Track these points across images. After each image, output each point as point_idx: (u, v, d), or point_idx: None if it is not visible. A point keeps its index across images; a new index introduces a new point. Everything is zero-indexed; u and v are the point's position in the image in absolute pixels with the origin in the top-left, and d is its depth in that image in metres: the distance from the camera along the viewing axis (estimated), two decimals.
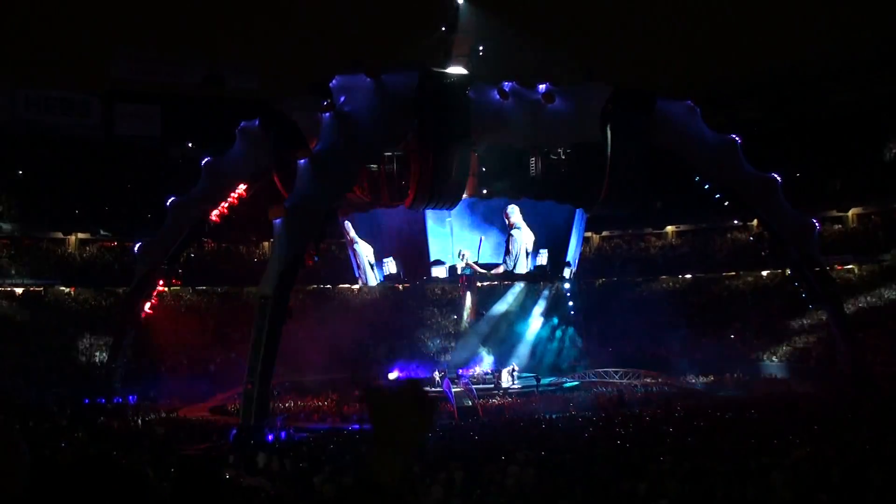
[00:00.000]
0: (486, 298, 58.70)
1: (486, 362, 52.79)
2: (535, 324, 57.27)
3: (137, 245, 43.65)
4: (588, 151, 42.13)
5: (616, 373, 50.43)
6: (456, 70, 43.39)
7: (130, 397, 42.35)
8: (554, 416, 35.84)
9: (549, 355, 55.89)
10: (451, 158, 37.50)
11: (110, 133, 58.98)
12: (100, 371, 44.94)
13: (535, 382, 47.57)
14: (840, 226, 58.84)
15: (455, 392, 43.66)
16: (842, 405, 32.44)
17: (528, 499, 14.25)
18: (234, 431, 31.82)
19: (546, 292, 58.83)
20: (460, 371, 50.51)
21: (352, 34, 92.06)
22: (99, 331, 49.88)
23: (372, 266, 44.74)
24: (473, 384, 47.50)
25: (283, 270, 34.38)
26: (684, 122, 42.50)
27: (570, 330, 56.73)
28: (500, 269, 44.93)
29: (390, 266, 43.85)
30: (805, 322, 51.64)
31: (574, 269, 48.27)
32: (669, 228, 66.51)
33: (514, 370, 49.56)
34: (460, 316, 57.68)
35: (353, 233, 45.06)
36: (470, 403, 41.96)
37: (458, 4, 45.14)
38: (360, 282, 48.94)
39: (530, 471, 16.34)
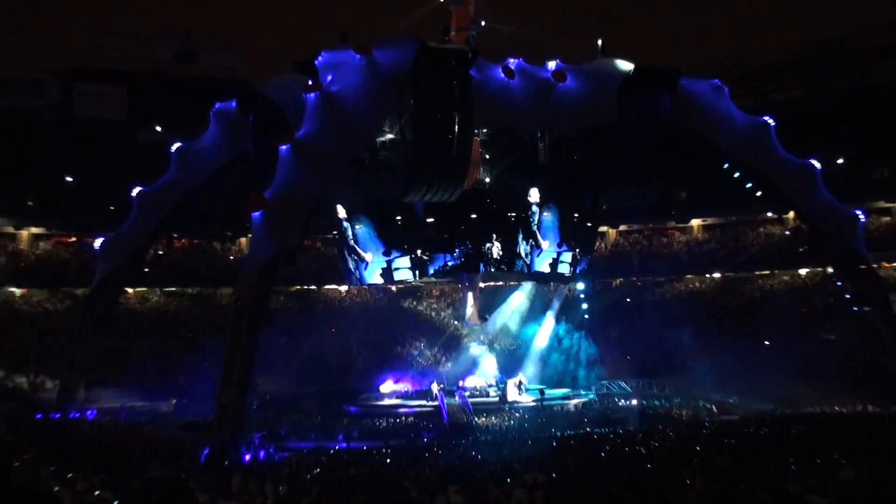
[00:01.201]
0: (490, 300, 58.60)
1: (489, 373, 52.72)
2: (545, 329, 57.17)
3: (99, 241, 43.50)
4: (603, 136, 41.91)
5: (636, 383, 50.32)
6: (456, 45, 43.19)
7: (89, 412, 42.19)
8: (566, 433, 35.68)
9: (561, 365, 55.79)
10: (450, 144, 37.30)
11: (70, 116, 58.91)
12: (55, 383, 44.81)
13: (540, 396, 47.45)
14: (888, 218, 58.59)
15: (449, 406, 43.58)
16: (891, 420, 32.28)
17: None
18: (207, 450, 31.60)
19: (558, 294, 58.78)
20: (461, 382, 50.49)
21: (340, 5, 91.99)
22: (54, 337, 49.57)
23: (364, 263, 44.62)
24: (476, 397, 47.47)
25: (263, 269, 34.15)
26: (711, 103, 42.29)
27: (584, 336, 56.58)
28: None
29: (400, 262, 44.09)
30: (849, 326, 51.43)
31: (586, 268, 48.10)
32: (695, 222, 66.38)
33: (521, 382, 49.42)
34: (461, 320, 57.59)
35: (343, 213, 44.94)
36: (465, 420, 41.84)
37: None
38: (349, 282, 48.69)
39: (539, 495, 16.18)
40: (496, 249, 43.45)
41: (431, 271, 44.36)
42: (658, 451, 26.79)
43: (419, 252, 43.84)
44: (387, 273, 44.61)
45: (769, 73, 63.45)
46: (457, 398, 45.93)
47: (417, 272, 44.31)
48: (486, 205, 43.88)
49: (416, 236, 44.05)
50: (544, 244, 44.31)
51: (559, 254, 45.04)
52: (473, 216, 43.43)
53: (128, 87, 59.97)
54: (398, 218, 43.90)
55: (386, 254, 44.42)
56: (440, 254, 43.84)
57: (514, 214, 44.38)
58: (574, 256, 45.56)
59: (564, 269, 45.55)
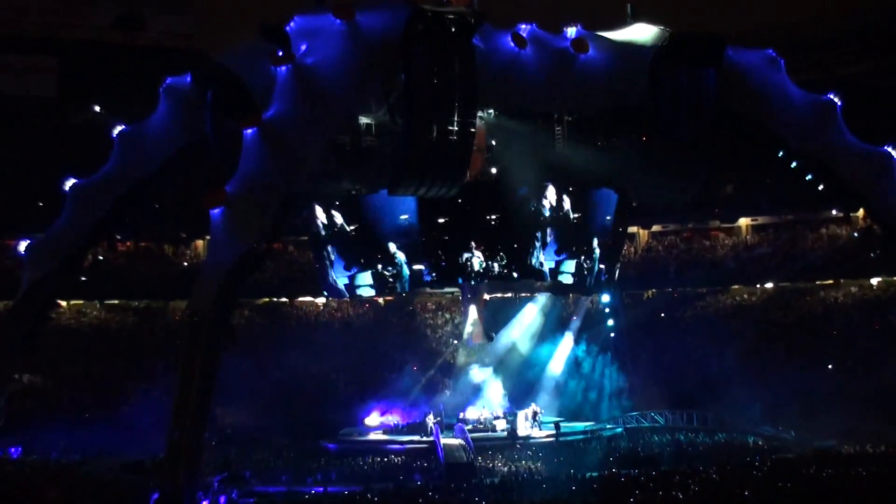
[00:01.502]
0: (496, 315, 58.61)
1: (496, 402, 52.79)
2: (562, 351, 57.22)
3: (24, 244, 43.32)
4: (633, 118, 41.97)
5: (671, 415, 50.40)
6: (456, 8, 43.16)
7: (13, 449, 42.18)
8: (587, 475, 35.78)
9: (581, 393, 55.88)
10: (449, 128, 37.35)
11: None
12: None
13: (556, 430, 47.59)
14: None
15: (445, 445, 43.60)
16: None
17: None
18: (156, 496, 31.70)
19: (578, 309, 58.88)
20: (461, 414, 50.51)
21: None
22: None
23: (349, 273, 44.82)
24: (479, 431, 47.54)
25: (224, 279, 34.19)
26: (763, 78, 42.27)
27: (609, 359, 56.63)
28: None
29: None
30: None
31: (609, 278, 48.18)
32: (743, 221, 66.50)
33: (535, 413, 49.54)
34: (462, 339, 57.62)
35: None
36: (464, 459, 41.92)
37: None
38: (328, 293, 48.71)
39: None
40: (477, 261, 43.54)
41: (399, 287, 44.60)
42: (698, 496, 26.91)
43: (380, 267, 43.90)
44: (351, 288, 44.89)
45: (834, 42, 63.53)
46: (455, 433, 45.99)
47: (378, 290, 44.61)
48: (484, 203, 44.08)
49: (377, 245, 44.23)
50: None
51: (558, 262, 45.26)
52: (444, 220, 43.58)
53: (59, 58, 59.92)
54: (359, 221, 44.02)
55: (346, 268, 44.61)
56: (414, 265, 43.99)
57: (523, 214, 44.46)
58: (580, 264, 45.67)
59: (566, 279, 45.77)
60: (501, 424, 49.31)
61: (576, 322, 58.37)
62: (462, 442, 44.29)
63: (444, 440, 44.42)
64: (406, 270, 44.06)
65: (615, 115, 42.11)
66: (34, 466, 39.87)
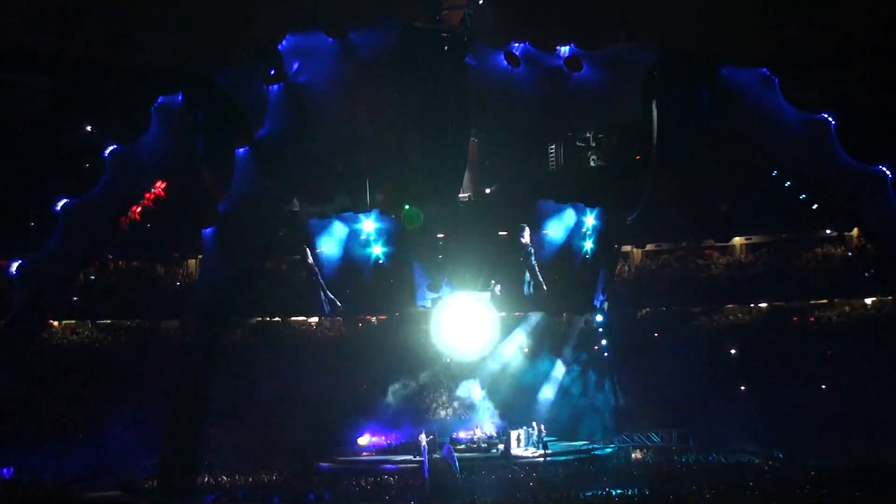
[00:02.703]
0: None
1: (489, 421, 52.83)
2: (556, 370, 57.25)
3: (15, 264, 43.28)
4: (626, 136, 42.05)
5: (665, 435, 50.45)
6: (448, 26, 43.30)
7: (4, 470, 42.11)
8: (581, 495, 35.80)
9: (574, 412, 55.84)
10: (441, 146, 37.46)
11: None
12: None
13: (544, 449, 47.59)
14: None
15: (432, 462, 43.54)
16: None
17: None
18: None
19: (572, 328, 58.88)
20: (454, 434, 50.51)
21: None
22: None
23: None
24: (473, 451, 47.54)
25: (217, 298, 34.31)
26: (758, 97, 42.40)
27: (602, 378, 56.65)
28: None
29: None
30: None
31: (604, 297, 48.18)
32: (737, 240, 66.54)
33: (540, 432, 49.63)
34: (455, 359, 57.57)
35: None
36: (450, 479, 41.85)
37: None
38: (321, 313, 48.61)
39: None
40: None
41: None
42: None
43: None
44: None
45: (828, 59, 63.69)
46: (443, 453, 45.95)
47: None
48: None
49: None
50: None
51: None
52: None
53: (50, 77, 59.92)
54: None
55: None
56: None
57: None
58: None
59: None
60: (494, 444, 49.35)
61: (570, 341, 58.38)
62: (448, 461, 44.22)
63: (429, 459, 44.40)
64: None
65: (608, 134, 42.18)
66: (27, 487, 39.79)
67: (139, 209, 42.52)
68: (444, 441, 48.67)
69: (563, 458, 47.02)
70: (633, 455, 49.44)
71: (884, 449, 45.07)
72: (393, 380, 58.53)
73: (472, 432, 51.51)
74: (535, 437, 49.16)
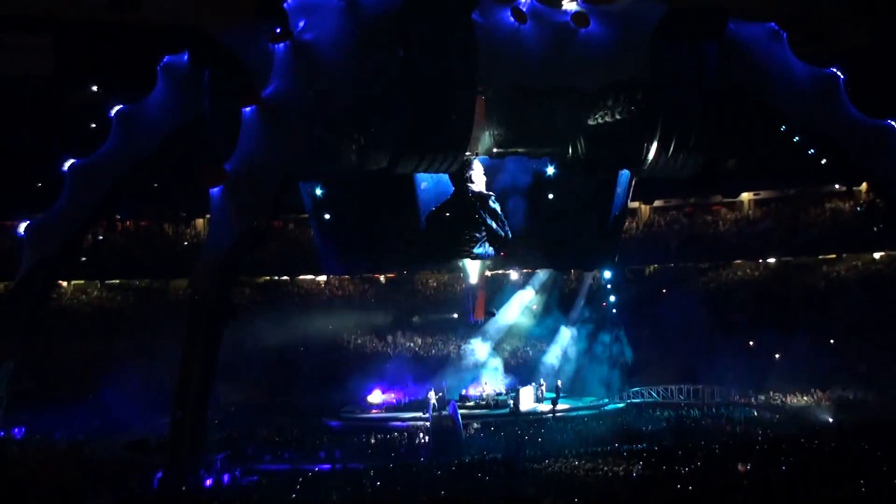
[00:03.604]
0: (498, 292, 58.65)
1: (498, 378, 52.99)
2: (563, 327, 57.31)
3: (24, 225, 43.28)
4: (634, 92, 41.88)
5: (674, 390, 50.58)
6: None
7: (16, 430, 42.31)
8: (589, 451, 35.94)
9: (583, 369, 55.91)
10: (449, 103, 37.34)
11: None
12: None
13: (553, 405, 47.86)
14: None
15: (437, 421, 43.75)
16: None
17: None
18: (160, 475, 31.87)
19: (581, 285, 58.92)
20: (463, 391, 50.71)
21: None
22: None
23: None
24: (482, 407, 47.77)
25: (225, 257, 34.29)
26: (766, 52, 42.16)
27: (611, 334, 56.69)
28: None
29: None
30: None
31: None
32: (745, 196, 66.43)
33: (554, 388, 49.88)
34: (464, 316, 57.66)
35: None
36: (452, 433, 42.06)
37: None
38: (329, 271, 48.69)
39: None
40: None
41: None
42: (701, 471, 27.07)
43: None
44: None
45: (836, 14, 63.31)
46: (449, 410, 46.09)
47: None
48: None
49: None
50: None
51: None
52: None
53: (54, 36, 59.68)
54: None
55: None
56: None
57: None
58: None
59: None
60: (503, 401, 49.54)
61: (580, 299, 58.45)
62: (452, 417, 44.41)
63: (433, 415, 44.65)
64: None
65: (617, 90, 41.98)
66: (38, 446, 39.98)
67: (147, 169, 42.50)
68: (453, 398, 48.94)
69: (572, 413, 47.18)
70: (642, 411, 49.48)
71: (891, 401, 45.26)
72: (402, 338, 58.73)
73: (481, 389, 51.72)
74: (543, 394, 49.39)
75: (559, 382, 51.74)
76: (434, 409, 45.61)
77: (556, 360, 56.33)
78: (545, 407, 48.86)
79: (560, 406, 48.55)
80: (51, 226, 42.22)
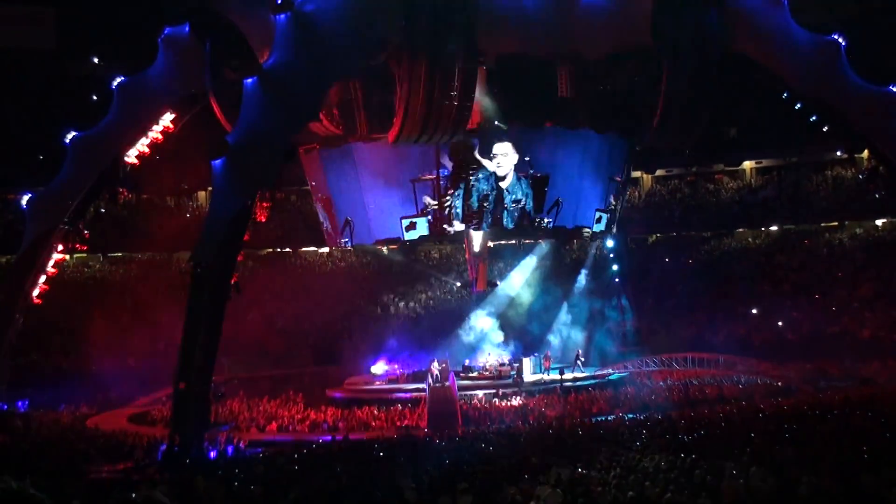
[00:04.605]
0: (500, 263, 58.64)
1: (501, 349, 53.05)
2: (569, 296, 57.36)
3: (26, 198, 43.29)
4: (636, 61, 41.73)
5: (677, 359, 50.59)
6: None
7: (20, 403, 42.37)
8: (593, 420, 35.94)
9: (586, 338, 55.93)
10: (450, 74, 37.17)
11: None
12: None
13: (560, 375, 47.89)
14: None
15: (434, 393, 43.72)
16: None
17: None
18: (164, 447, 31.85)
19: (585, 253, 59.00)
20: (466, 362, 50.75)
21: None
22: None
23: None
24: (485, 378, 47.79)
25: (227, 229, 34.19)
26: (767, 19, 41.84)
27: (614, 304, 56.74)
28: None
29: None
30: None
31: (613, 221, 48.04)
32: (747, 164, 66.38)
33: (577, 356, 50.03)
34: (467, 287, 57.69)
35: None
36: (448, 406, 42.06)
37: None
38: (331, 243, 48.58)
39: (558, 493, 16.32)
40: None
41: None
42: (704, 439, 27.01)
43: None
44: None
45: None
46: (448, 382, 46.10)
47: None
48: None
49: None
50: None
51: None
52: None
53: (55, 7, 59.43)
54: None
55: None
56: None
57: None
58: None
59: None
60: (506, 371, 49.59)
61: (584, 269, 58.54)
62: (449, 390, 44.43)
63: (430, 387, 44.67)
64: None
65: (619, 58, 41.81)
66: (42, 419, 40.06)
67: (148, 142, 42.39)
68: (456, 369, 48.98)
69: (577, 383, 47.20)
70: (644, 380, 49.51)
71: (890, 367, 45.27)
72: (405, 309, 58.71)
73: (484, 360, 51.79)
74: (550, 365, 49.52)
75: (579, 352, 51.81)
76: (437, 381, 45.59)
77: (561, 331, 56.43)
78: (550, 377, 48.88)
79: (566, 375, 48.52)
80: (53, 198, 42.33)
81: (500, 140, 42.20)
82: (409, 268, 63.40)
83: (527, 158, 41.95)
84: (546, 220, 42.88)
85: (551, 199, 42.65)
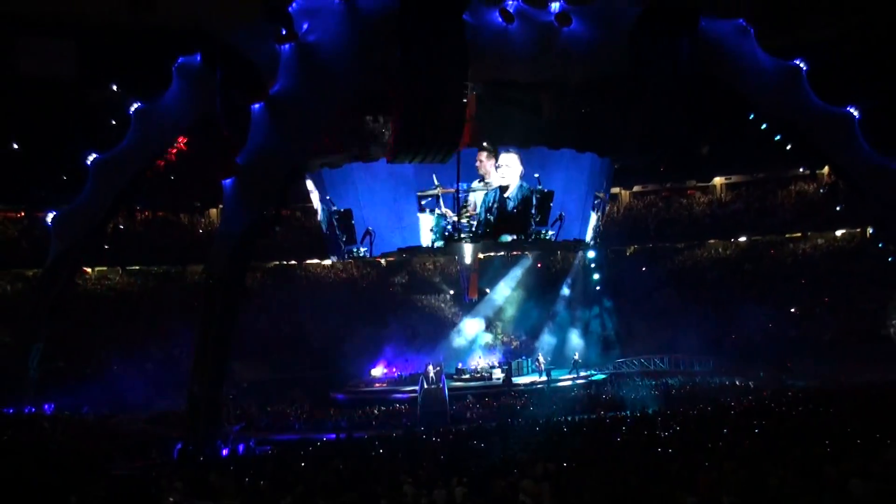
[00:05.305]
0: (490, 273, 58.70)
1: (491, 353, 53.15)
2: (551, 303, 57.49)
3: (51, 216, 43.37)
4: (614, 85, 41.82)
5: (654, 361, 50.70)
6: None
7: (46, 406, 42.25)
8: (577, 418, 35.97)
9: (571, 342, 56.00)
10: (442, 99, 37.21)
11: (13, 76, 58.51)
12: (6, 374, 44.81)
13: (547, 377, 48.04)
14: None
15: (425, 393, 43.81)
16: None
17: None
18: (180, 445, 31.86)
19: (568, 264, 59.11)
20: (460, 364, 50.84)
21: None
22: (4, 324, 49.66)
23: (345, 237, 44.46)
24: (477, 380, 47.88)
25: (237, 244, 34.23)
26: (735, 46, 42.07)
27: (596, 310, 56.87)
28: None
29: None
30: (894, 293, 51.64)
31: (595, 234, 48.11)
32: (718, 180, 66.48)
33: (575, 361, 50.31)
34: (459, 295, 57.78)
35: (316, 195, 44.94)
36: (440, 406, 42.12)
37: None
38: (334, 256, 48.63)
39: (547, 486, 16.36)
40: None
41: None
42: (680, 434, 27.05)
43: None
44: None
45: (799, 10, 63.15)
46: (440, 383, 46.18)
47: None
48: None
49: None
50: None
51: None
52: None
53: (76, 40, 59.45)
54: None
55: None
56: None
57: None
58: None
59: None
60: (497, 373, 49.75)
61: (568, 279, 58.66)
62: (440, 390, 44.54)
63: (423, 388, 44.80)
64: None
65: (599, 83, 41.92)
66: (67, 421, 39.99)
67: (163, 162, 42.50)
68: (450, 371, 49.11)
69: (560, 384, 47.33)
70: (625, 380, 49.55)
71: (853, 366, 45.29)
72: (402, 316, 58.73)
73: (475, 363, 51.94)
74: (535, 366, 49.66)
75: (577, 355, 51.94)
76: (431, 383, 45.69)
77: (546, 335, 56.51)
78: (536, 378, 49.01)
79: (549, 378, 48.65)
80: (75, 216, 42.54)
81: (507, 151, 42.44)
82: (406, 278, 63.46)
83: (536, 175, 42.07)
84: (550, 233, 43.11)
85: (554, 213, 42.88)
